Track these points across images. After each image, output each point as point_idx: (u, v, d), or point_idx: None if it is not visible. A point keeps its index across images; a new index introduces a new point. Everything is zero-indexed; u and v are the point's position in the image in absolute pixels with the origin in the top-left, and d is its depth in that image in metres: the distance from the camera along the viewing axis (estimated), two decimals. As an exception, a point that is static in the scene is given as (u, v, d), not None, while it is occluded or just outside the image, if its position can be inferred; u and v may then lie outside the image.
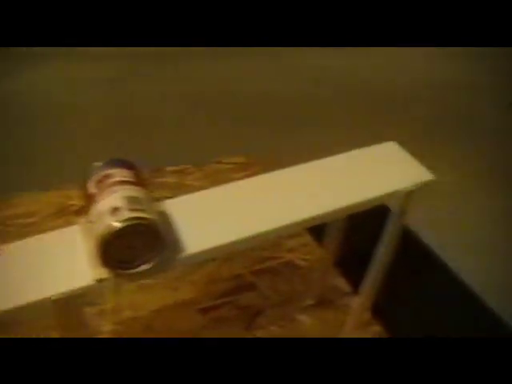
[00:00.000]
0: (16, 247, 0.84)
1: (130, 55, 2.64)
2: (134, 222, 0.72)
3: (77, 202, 1.75)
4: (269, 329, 1.38)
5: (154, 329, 1.35)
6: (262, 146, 2.11)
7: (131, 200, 0.75)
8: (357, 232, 1.44)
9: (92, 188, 0.80)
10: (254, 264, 1.55)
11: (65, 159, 1.95)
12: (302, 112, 2.44)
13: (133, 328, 1.35)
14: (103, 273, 0.77)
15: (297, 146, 2.11)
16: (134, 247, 0.75)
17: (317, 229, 1.30)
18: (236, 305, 1.43)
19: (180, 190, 1.80)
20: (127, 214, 0.72)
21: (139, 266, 0.77)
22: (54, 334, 0.80)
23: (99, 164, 0.83)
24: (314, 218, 0.93)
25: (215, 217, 0.90)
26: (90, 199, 0.79)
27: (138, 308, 1.40)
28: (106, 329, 1.33)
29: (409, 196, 1.02)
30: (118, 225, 0.72)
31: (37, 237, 0.86)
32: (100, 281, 0.77)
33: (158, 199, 0.87)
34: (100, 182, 0.79)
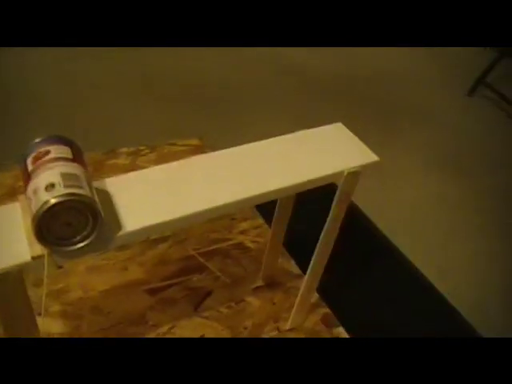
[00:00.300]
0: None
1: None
2: (70, 198, 0.72)
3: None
4: (217, 310, 1.39)
5: (102, 309, 1.35)
6: (215, 130, 2.12)
7: (67, 176, 0.75)
8: (306, 214, 1.46)
9: (30, 165, 0.79)
10: (204, 245, 1.55)
11: (15, 139, 1.92)
12: (256, 97, 2.45)
13: (81, 309, 1.34)
14: (40, 250, 0.76)
15: (250, 129, 2.12)
16: (71, 224, 0.75)
17: (269, 212, 1.31)
18: (185, 286, 1.43)
19: (132, 171, 1.79)
20: (63, 190, 0.72)
21: (76, 243, 0.77)
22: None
23: (37, 140, 0.82)
24: (259, 196, 0.94)
25: (156, 195, 0.89)
26: (28, 176, 0.78)
27: (88, 288, 1.39)
28: (53, 309, 1.32)
29: (354, 177, 1.04)
30: (53, 201, 0.71)
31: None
32: (36, 258, 0.77)
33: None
34: (37, 158, 0.78)
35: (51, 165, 0.76)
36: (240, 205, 0.93)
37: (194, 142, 2.01)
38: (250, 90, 2.50)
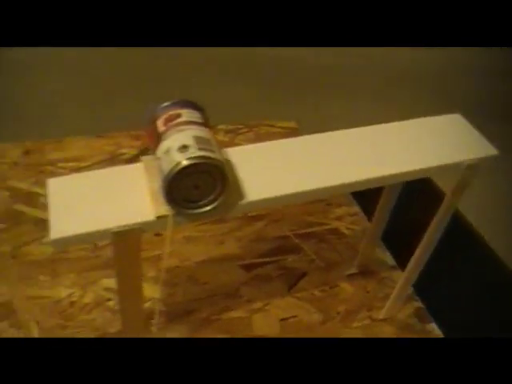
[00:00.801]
0: (81, 178, 0.85)
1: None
2: (203, 160, 0.72)
3: (127, 151, 1.76)
4: (311, 292, 1.38)
5: (197, 279, 1.36)
6: (313, 114, 2.10)
7: (200, 140, 0.75)
8: (407, 208, 1.43)
9: (160, 126, 0.79)
10: (300, 227, 1.55)
11: (120, 107, 1.96)
12: (356, 82, 2.41)
13: (177, 277, 1.36)
14: (165, 210, 0.77)
15: (352, 114, 2.09)
16: (199, 187, 0.75)
17: (365, 200, 1.29)
18: (280, 265, 1.43)
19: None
20: (196, 152, 0.72)
21: (202, 206, 0.77)
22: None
23: (167, 103, 0.82)
24: (368, 181, 0.91)
25: (272, 169, 0.89)
26: (157, 137, 0.79)
27: (184, 258, 1.41)
28: (150, 275, 1.34)
29: (470, 170, 1.00)
30: (185, 162, 0.72)
31: (101, 171, 0.87)
32: (161, 217, 0.77)
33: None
34: (169, 120, 0.79)
35: (184, 127, 0.77)
36: (357, 186, 0.91)
37: (291, 124, 2.01)
38: (349, 76, 2.46)
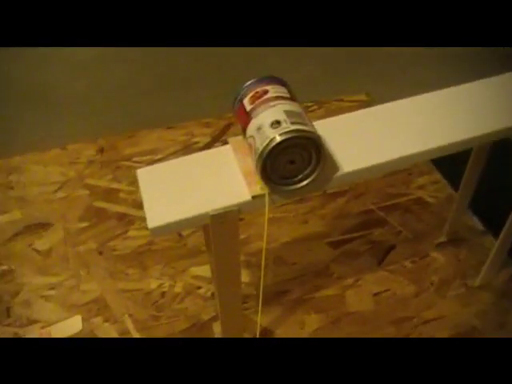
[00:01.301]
0: (169, 165, 0.85)
1: None
2: (297, 134, 0.71)
3: (200, 139, 1.77)
4: (402, 264, 1.35)
5: (285, 260, 1.35)
6: (380, 85, 2.05)
7: (291, 114, 0.73)
8: (494, 172, 1.38)
9: (248, 104, 0.78)
10: (383, 200, 1.52)
11: (187, 97, 1.97)
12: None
13: (265, 259, 1.35)
14: (260, 188, 0.76)
15: (419, 79, 2.03)
16: (294, 162, 0.74)
17: (446, 167, 1.25)
18: (367, 239, 1.41)
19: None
20: (289, 127, 0.71)
21: (298, 182, 0.76)
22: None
23: (251, 81, 0.81)
24: (457, 143, 0.88)
25: (364, 140, 0.87)
26: (246, 116, 0.78)
27: (270, 240, 1.40)
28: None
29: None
30: (279, 138, 0.70)
31: (188, 157, 0.87)
32: (256, 197, 0.77)
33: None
34: (256, 97, 0.78)
35: (273, 103, 0.76)
36: (447, 150, 0.88)
37: (361, 97, 1.97)
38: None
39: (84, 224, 1.49)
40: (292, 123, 0.71)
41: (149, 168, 0.85)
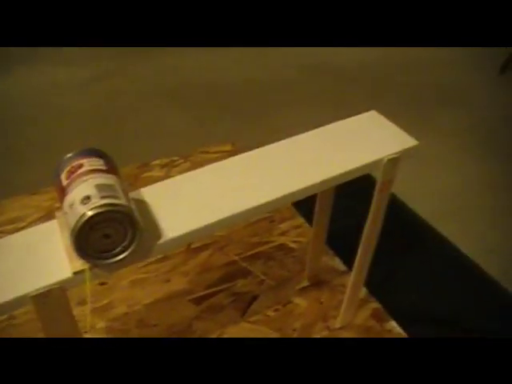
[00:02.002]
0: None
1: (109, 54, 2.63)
2: (107, 208, 0.70)
3: (65, 202, 1.73)
4: (265, 313, 1.36)
5: (147, 323, 1.33)
6: (246, 133, 2.10)
7: (102, 188, 0.73)
8: (345, 209, 1.43)
9: (64, 180, 0.77)
10: (246, 250, 1.53)
11: (51, 160, 1.93)
12: (282, 95, 2.43)
13: (127, 323, 1.33)
14: (80, 265, 0.75)
15: (282, 127, 2.09)
16: (110, 236, 0.73)
17: (309, 210, 1.28)
18: (230, 292, 1.41)
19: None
20: (99, 202, 0.70)
21: (117, 255, 0.75)
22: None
23: (69, 155, 0.81)
24: (299, 192, 0.91)
25: (194, 200, 0.88)
26: (62, 191, 0.77)
27: (132, 303, 1.38)
28: (100, 326, 1.31)
29: (395, 163, 1.00)
30: (89, 213, 0.70)
31: (17, 234, 0.84)
32: (77, 273, 0.75)
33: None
34: (71, 172, 0.77)
35: (85, 177, 0.75)
36: (280, 202, 0.90)
37: (227, 147, 2.00)
38: (276, 89, 2.47)
39: None
40: (102, 197, 0.71)
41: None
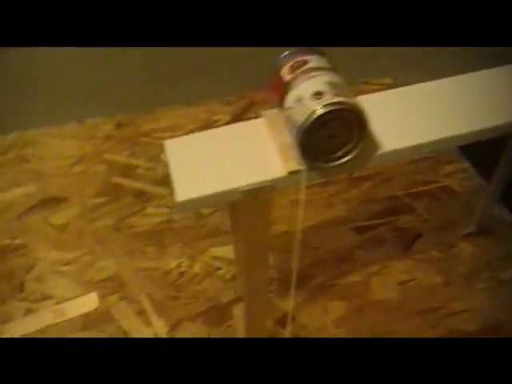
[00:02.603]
0: (200, 137, 0.81)
1: None
2: (340, 106, 0.66)
3: (221, 117, 1.72)
4: (429, 253, 1.30)
5: (309, 244, 1.31)
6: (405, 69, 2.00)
7: (334, 85, 0.69)
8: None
9: (286, 75, 0.73)
10: (410, 186, 1.46)
11: (208, 74, 1.92)
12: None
13: (288, 242, 1.30)
14: (298, 164, 0.71)
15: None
16: (335, 137, 0.69)
17: (474, 156, 1.20)
18: (393, 226, 1.36)
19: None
20: (333, 98, 0.66)
21: (339, 158, 0.71)
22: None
23: (291, 51, 0.76)
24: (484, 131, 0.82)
25: (398, 119, 0.81)
26: (283, 87, 0.73)
27: (293, 222, 1.35)
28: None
29: None
30: (322, 110, 0.65)
31: (219, 129, 0.82)
32: (294, 173, 0.72)
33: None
34: (295, 68, 0.73)
35: (314, 73, 0.71)
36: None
37: (387, 80, 1.91)
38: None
39: (101, 199, 1.45)
40: (335, 95, 0.67)
41: (177, 140, 0.81)
